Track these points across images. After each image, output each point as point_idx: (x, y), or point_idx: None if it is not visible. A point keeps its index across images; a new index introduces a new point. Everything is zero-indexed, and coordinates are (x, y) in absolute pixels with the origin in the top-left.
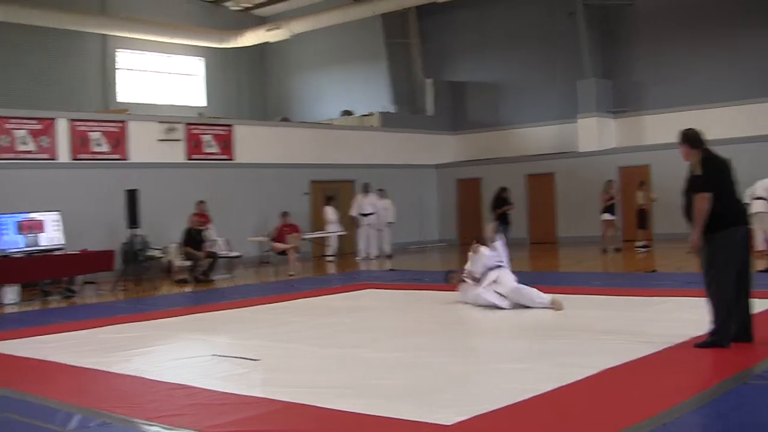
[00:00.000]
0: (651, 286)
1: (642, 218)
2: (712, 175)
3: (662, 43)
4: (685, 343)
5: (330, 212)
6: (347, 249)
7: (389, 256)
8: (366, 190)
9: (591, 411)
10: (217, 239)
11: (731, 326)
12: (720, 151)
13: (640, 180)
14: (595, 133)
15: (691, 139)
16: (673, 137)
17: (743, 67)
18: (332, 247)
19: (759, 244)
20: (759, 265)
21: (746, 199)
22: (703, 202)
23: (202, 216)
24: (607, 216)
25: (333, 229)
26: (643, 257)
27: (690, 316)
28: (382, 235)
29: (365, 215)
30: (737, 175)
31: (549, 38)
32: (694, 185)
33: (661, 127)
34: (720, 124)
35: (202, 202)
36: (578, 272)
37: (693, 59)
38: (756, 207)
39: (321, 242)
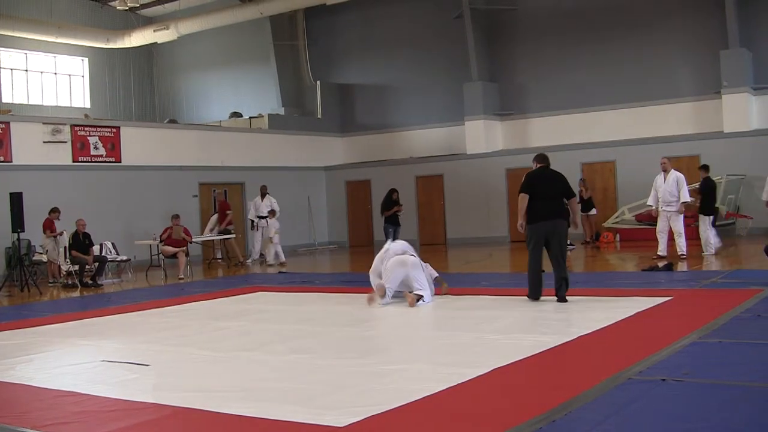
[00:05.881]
0: None
1: None
2: (525, 183)
3: (546, 48)
4: (573, 341)
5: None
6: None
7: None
8: (263, 192)
9: (482, 410)
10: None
11: (538, 287)
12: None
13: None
14: (482, 135)
15: (536, 158)
16: (558, 139)
17: (625, 71)
18: (222, 249)
19: None
20: (642, 264)
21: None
22: (520, 199)
23: (53, 223)
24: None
25: (222, 232)
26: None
27: (577, 315)
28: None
29: (262, 218)
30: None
31: (436, 41)
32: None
33: (547, 130)
34: (602, 126)
35: (54, 210)
36: (466, 273)
37: (576, 64)
38: None
39: (211, 245)
